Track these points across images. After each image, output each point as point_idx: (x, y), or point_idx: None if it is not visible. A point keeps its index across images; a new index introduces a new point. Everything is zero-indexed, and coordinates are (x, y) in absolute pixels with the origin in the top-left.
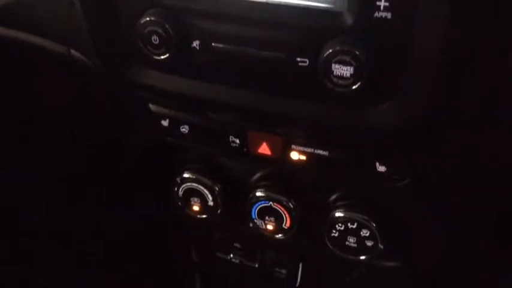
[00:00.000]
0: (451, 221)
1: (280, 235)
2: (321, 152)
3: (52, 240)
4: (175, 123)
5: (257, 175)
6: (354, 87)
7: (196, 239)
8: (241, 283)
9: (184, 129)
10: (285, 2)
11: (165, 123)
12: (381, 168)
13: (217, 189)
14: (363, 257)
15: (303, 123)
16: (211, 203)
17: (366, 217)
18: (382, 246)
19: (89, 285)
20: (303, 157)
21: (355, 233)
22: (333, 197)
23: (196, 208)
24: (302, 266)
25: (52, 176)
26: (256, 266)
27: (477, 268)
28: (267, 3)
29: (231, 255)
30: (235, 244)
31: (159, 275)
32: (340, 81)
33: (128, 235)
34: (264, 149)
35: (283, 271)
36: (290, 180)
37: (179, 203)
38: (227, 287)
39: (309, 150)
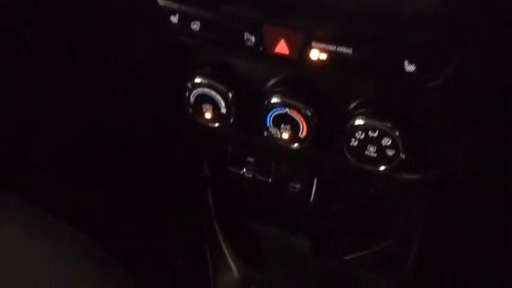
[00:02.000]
0: (480, 130)
1: (295, 145)
2: (343, 49)
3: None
4: (185, 19)
5: (273, 80)
6: None
7: (208, 153)
8: (254, 199)
9: (196, 25)
10: None
11: (174, 19)
12: (410, 68)
13: (230, 95)
14: (382, 168)
15: (323, 12)
16: (223, 110)
17: (388, 124)
18: (403, 156)
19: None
20: (324, 56)
21: (376, 141)
22: (354, 103)
23: (208, 116)
24: (317, 181)
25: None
26: (270, 180)
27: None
28: None
29: (244, 170)
30: (248, 158)
31: (170, 191)
32: None
33: (137, 148)
34: (282, 47)
35: (297, 185)
36: (308, 85)
37: (190, 111)
38: (239, 203)
39: (330, 47)
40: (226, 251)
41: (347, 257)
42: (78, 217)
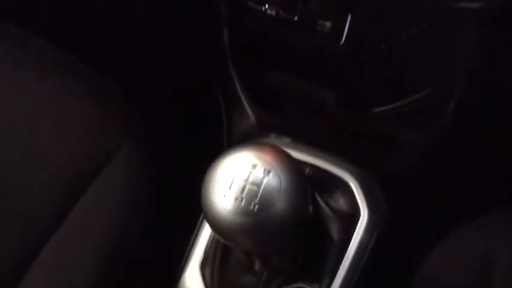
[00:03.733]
0: None
1: None
2: None
3: None
4: None
5: None
6: None
7: None
8: (276, 41)
9: None
10: None
11: None
12: None
13: None
14: None
15: None
16: None
17: None
18: None
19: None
20: None
21: None
22: None
23: None
24: (351, 18)
25: None
26: (296, 18)
27: None
28: None
29: (266, 6)
30: None
31: (182, 29)
32: None
33: None
34: None
35: (328, 24)
36: None
37: None
38: (259, 45)
39: None
40: (241, 96)
41: (376, 110)
42: (89, 53)
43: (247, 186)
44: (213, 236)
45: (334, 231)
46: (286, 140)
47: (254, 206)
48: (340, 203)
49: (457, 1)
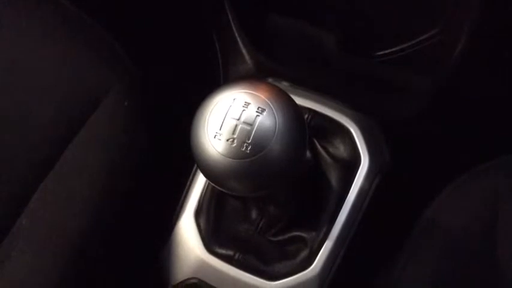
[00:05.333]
0: None
1: None
2: None
3: None
4: None
5: None
6: None
7: None
8: None
9: None
10: None
11: None
12: None
13: None
14: None
15: None
16: None
17: None
18: None
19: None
20: None
21: None
22: None
23: None
24: None
25: None
26: None
27: None
28: None
29: None
30: None
31: None
32: None
33: None
34: None
35: None
36: None
37: None
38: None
39: None
40: (238, 38)
41: (380, 53)
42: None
43: (239, 126)
44: (208, 183)
45: (334, 179)
46: (285, 84)
47: (247, 148)
48: (341, 149)
49: None
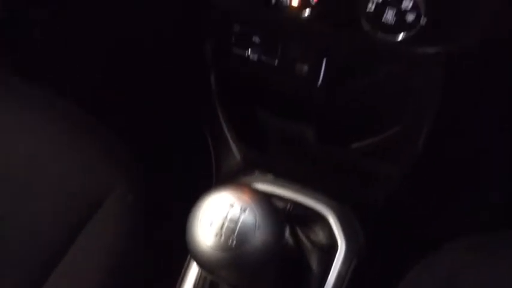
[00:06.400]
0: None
1: (306, 12)
2: None
3: None
4: None
5: None
6: None
7: (211, 34)
8: (259, 83)
9: None
10: None
11: None
12: None
13: None
14: (400, 37)
15: None
16: None
17: None
18: (424, 21)
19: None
20: None
21: (396, 4)
22: None
23: None
24: (326, 61)
25: None
26: (276, 63)
27: None
28: None
29: (249, 51)
30: (253, 38)
31: (173, 75)
32: None
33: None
34: None
35: (305, 67)
36: None
37: None
38: (243, 88)
39: None
40: (228, 135)
41: (354, 146)
42: (81, 96)
43: (226, 224)
44: (201, 272)
45: (314, 263)
46: (270, 177)
47: (232, 242)
48: (320, 236)
49: (418, 46)
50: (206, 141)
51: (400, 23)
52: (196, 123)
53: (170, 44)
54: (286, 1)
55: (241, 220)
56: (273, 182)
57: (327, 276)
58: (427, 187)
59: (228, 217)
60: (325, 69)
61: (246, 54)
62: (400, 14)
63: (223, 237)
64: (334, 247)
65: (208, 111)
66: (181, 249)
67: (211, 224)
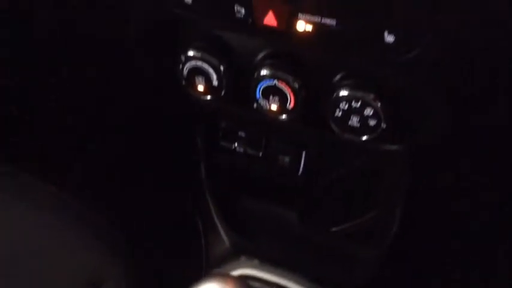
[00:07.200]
0: (453, 103)
1: (284, 116)
2: (328, 21)
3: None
4: None
5: (263, 53)
6: None
7: (201, 129)
8: (245, 172)
9: None
10: None
11: None
12: (389, 39)
13: (222, 68)
14: (365, 138)
15: None
16: (215, 83)
17: (370, 95)
18: (384, 126)
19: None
20: (309, 27)
21: (359, 112)
22: (338, 76)
23: (200, 88)
24: (305, 153)
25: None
26: (260, 154)
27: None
28: None
29: (236, 144)
30: (239, 133)
31: (165, 165)
32: None
33: (130, 123)
34: (270, 19)
35: (287, 159)
36: (296, 58)
37: (184, 83)
38: (231, 176)
39: (315, 19)
40: (217, 222)
41: (334, 229)
42: (73, 185)
43: None
44: None
45: None
46: (256, 261)
47: None
48: None
49: (382, 144)
50: (197, 227)
51: (364, 127)
52: (187, 210)
53: (162, 136)
54: (266, 106)
55: None
56: (258, 267)
57: None
58: (405, 269)
59: None
60: (304, 160)
61: (233, 146)
62: (363, 119)
63: None
64: None
65: (198, 198)
66: None
67: None
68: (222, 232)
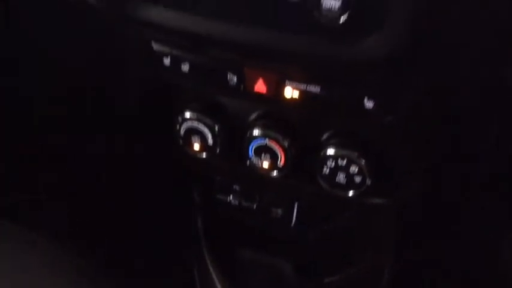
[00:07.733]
0: (436, 161)
1: (275, 173)
2: (312, 88)
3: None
4: (176, 61)
5: (254, 115)
6: (341, 19)
7: (198, 182)
8: (240, 224)
9: (185, 67)
10: None
11: (166, 61)
12: (369, 104)
13: (217, 128)
14: (351, 193)
15: (292, 57)
16: (210, 142)
17: (355, 154)
18: (369, 182)
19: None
20: (296, 94)
21: (345, 169)
22: (325, 135)
23: (196, 147)
24: (297, 206)
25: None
26: (254, 207)
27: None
28: None
29: (231, 197)
30: (234, 186)
31: (162, 218)
32: (329, 14)
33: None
34: (260, 86)
35: (279, 211)
36: (285, 119)
37: (181, 142)
38: (226, 228)
39: (301, 86)
40: (213, 274)
41: (326, 280)
42: (70, 238)
43: None
44: None
45: None
46: None
47: None
48: None
49: (368, 199)
50: (193, 278)
51: (350, 183)
52: (184, 261)
53: (160, 191)
54: (258, 163)
55: None
56: None
57: None
58: None
59: None
60: (297, 212)
61: (228, 199)
62: (349, 176)
63: None
64: None
65: (195, 250)
66: None
67: None
68: (217, 282)
